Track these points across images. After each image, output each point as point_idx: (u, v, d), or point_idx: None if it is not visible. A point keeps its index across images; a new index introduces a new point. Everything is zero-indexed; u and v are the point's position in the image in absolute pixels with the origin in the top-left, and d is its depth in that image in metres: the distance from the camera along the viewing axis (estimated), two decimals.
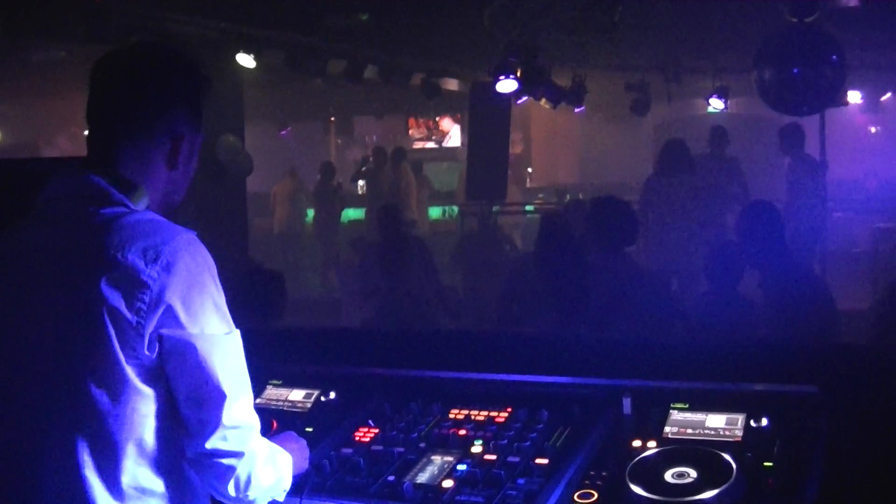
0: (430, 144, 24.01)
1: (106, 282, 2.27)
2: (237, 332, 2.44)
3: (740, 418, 2.88)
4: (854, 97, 16.86)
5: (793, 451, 2.71)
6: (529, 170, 22.61)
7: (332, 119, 25.03)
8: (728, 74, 15.07)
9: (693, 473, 2.64)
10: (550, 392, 3.18)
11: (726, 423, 2.88)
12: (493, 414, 3.15)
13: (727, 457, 2.66)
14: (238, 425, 2.39)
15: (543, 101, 13.60)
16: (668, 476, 2.65)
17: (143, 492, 2.34)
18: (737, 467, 2.61)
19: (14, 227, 2.51)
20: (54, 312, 2.32)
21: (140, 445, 2.33)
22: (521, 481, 2.74)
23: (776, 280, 5.89)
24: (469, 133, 14.75)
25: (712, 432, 2.86)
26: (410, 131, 24.30)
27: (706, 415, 2.93)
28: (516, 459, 2.85)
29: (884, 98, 18.15)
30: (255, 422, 2.47)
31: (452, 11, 10.90)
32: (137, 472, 2.33)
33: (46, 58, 12.52)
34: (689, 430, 2.89)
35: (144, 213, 2.43)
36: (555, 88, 13.36)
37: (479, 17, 10.70)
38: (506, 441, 2.96)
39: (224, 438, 2.37)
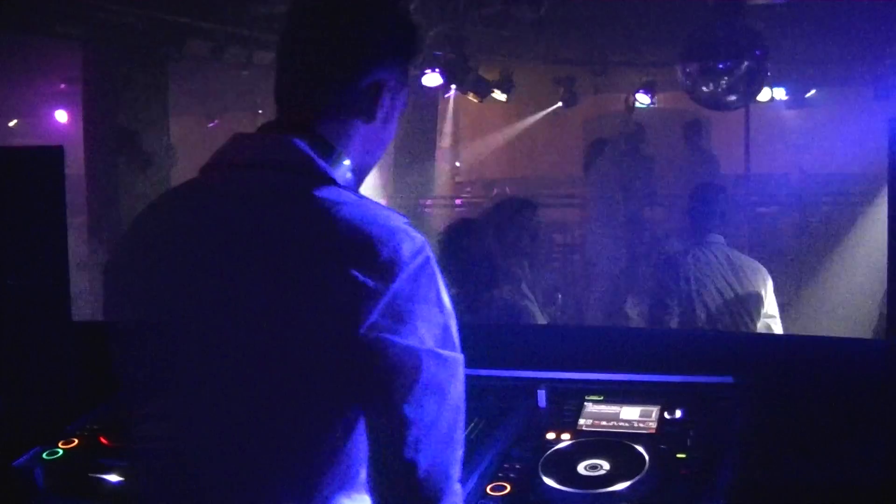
0: None
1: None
2: None
3: (655, 410, 2.88)
4: (779, 93, 17.00)
5: (706, 441, 2.71)
6: (458, 163, 22.62)
7: (260, 112, 24.88)
8: (656, 69, 15.16)
9: (606, 465, 2.64)
10: (466, 384, 3.16)
11: (640, 415, 2.88)
12: None
13: (640, 448, 2.66)
14: None
15: (471, 94, 13.60)
16: (581, 468, 2.65)
17: None
18: (650, 459, 2.61)
19: (186, 192, 2.17)
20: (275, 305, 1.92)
21: None
22: None
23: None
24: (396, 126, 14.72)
25: (626, 424, 2.86)
26: None
27: (620, 407, 2.93)
28: None
29: (809, 94, 18.32)
30: None
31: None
32: None
33: None
34: (604, 423, 2.89)
35: (361, 202, 2.00)
36: (482, 82, 13.38)
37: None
38: None
39: None
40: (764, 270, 6.15)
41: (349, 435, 1.96)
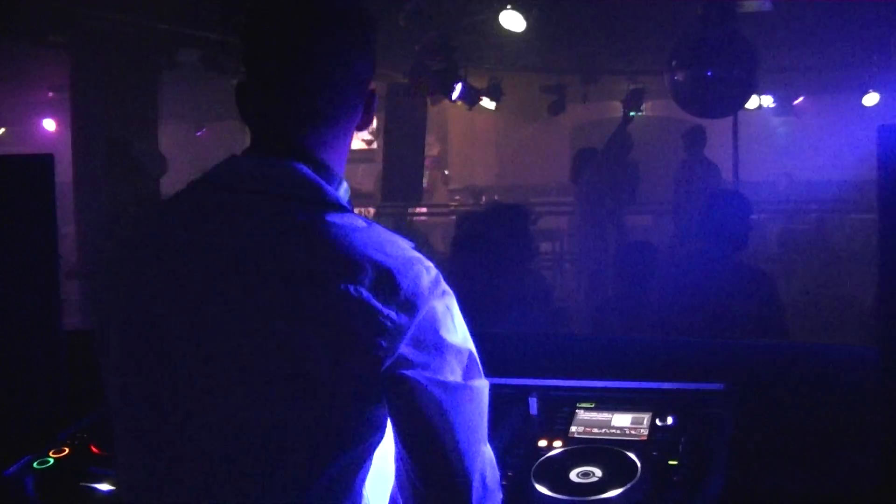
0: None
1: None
2: None
3: (646, 417, 2.88)
4: (767, 100, 17.06)
5: (698, 448, 2.72)
6: (446, 171, 22.62)
7: None
8: (645, 76, 15.18)
9: (598, 472, 2.64)
10: None
11: (632, 422, 2.88)
12: None
13: (632, 455, 2.66)
14: None
15: (460, 102, 13.60)
16: (574, 475, 2.65)
17: None
18: (641, 466, 2.62)
19: (185, 211, 2.03)
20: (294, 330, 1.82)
21: None
22: None
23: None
24: (385, 134, 14.71)
25: (618, 431, 2.86)
26: None
27: (612, 414, 2.94)
28: None
29: (796, 102, 18.37)
30: None
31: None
32: None
33: None
34: (595, 430, 2.89)
35: (372, 228, 1.93)
36: (471, 89, 13.39)
37: (395, 17, 10.68)
38: None
39: None
40: (771, 280, 6.13)
41: (361, 461, 1.93)
